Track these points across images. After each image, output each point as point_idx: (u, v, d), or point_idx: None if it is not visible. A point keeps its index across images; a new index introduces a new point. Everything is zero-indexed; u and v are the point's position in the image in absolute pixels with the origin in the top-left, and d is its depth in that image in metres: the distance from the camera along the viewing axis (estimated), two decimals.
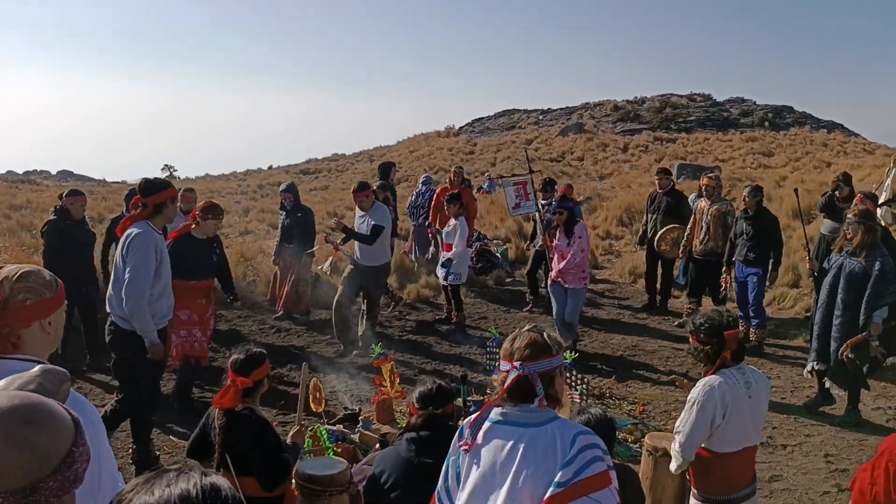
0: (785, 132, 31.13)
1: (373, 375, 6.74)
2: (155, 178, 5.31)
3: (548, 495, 2.15)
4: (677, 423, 3.57)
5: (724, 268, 8.35)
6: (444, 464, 2.49)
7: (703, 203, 8.78)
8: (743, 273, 8.15)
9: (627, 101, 37.85)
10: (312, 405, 5.30)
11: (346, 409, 5.98)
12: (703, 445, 3.51)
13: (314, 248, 9.24)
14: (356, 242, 7.94)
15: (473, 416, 2.43)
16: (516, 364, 2.32)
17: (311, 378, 4.81)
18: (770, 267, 8.08)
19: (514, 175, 10.70)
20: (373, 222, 7.63)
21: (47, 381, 1.65)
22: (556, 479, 2.16)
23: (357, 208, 7.95)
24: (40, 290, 2.13)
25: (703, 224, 8.62)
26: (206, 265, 6.55)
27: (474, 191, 14.19)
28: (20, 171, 34.00)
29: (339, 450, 4.87)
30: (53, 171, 36.49)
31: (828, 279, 6.22)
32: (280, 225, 9.37)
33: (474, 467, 2.34)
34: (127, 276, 4.90)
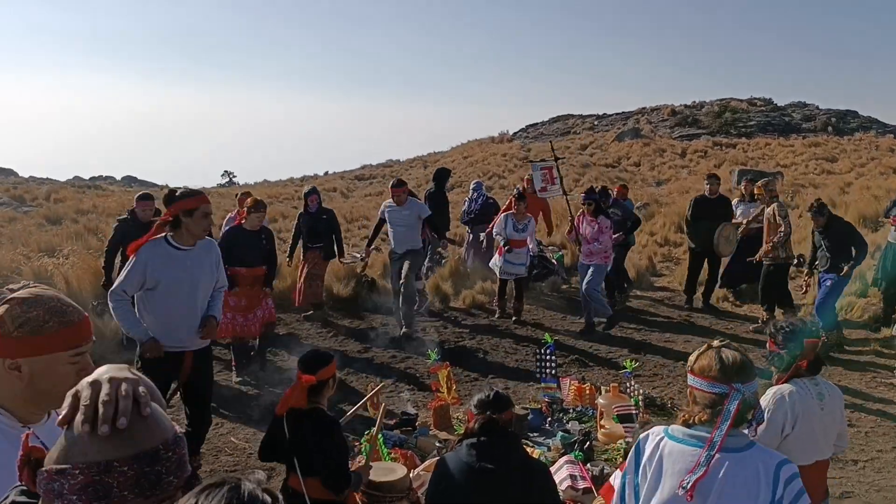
0: (849, 137, 30.24)
1: (430, 381, 6.75)
2: (181, 189, 4.91)
3: None
4: (746, 432, 3.46)
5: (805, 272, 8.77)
6: (620, 480, 2.43)
7: (766, 209, 9.02)
8: (822, 279, 8.26)
9: (685, 106, 37.24)
10: (370, 409, 5.32)
11: (403, 413, 5.99)
12: None
13: (359, 257, 9.91)
14: (393, 235, 8.86)
15: (662, 435, 2.34)
16: (737, 386, 2.23)
17: (381, 402, 4.83)
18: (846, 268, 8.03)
19: (542, 160, 11.61)
20: (424, 214, 8.73)
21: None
22: None
23: (390, 202, 8.69)
24: (3, 324, 1.77)
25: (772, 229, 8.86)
26: (254, 254, 7.22)
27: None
28: (86, 177, 35.09)
29: (397, 455, 4.87)
30: (118, 177, 37.60)
31: None
32: (303, 226, 9.29)
33: (662, 489, 2.26)
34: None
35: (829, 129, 32.06)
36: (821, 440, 3.42)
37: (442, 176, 11.29)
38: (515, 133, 38.54)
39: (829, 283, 8.10)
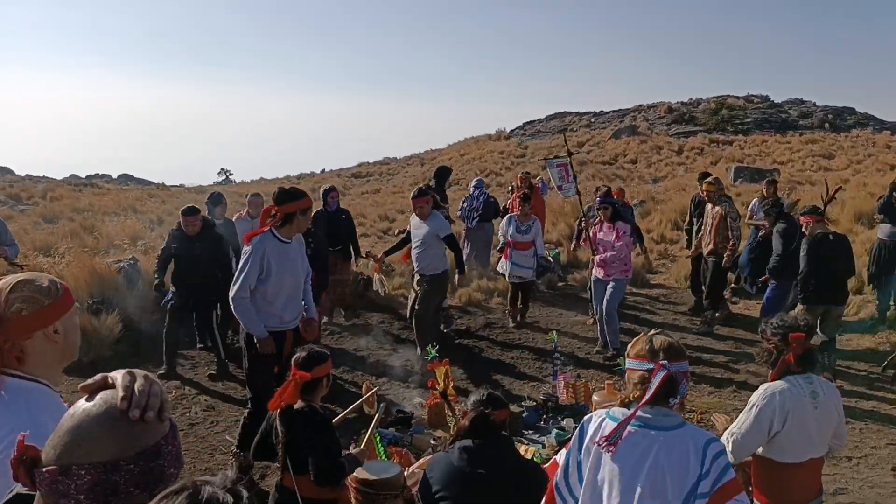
0: (846, 134, 30.27)
1: (426, 378, 6.75)
2: (290, 188, 5.32)
3: None
4: (732, 426, 3.48)
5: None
6: (564, 457, 2.60)
7: (709, 207, 9.00)
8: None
9: (682, 103, 37.25)
10: (365, 407, 5.33)
11: (399, 411, 5.99)
12: (765, 455, 3.41)
13: (363, 257, 9.42)
14: (414, 252, 7.83)
15: (603, 416, 2.52)
16: (663, 363, 2.41)
17: (373, 391, 4.80)
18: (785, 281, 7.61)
19: (556, 157, 11.07)
20: (443, 233, 7.57)
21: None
22: (699, 492, 2.31)
23: (414, 215, 7.82)
24: (37, 299, 1.98)
25: (708, 227, 8.92)
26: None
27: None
28: (83, 175, 35.01)
29: (392, 453, 4.87)
30: (114, 175, 37.52)
31: None
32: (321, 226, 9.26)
33: (603, 465, 2.43)
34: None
35: (826, 125, 32.08)
36: (815, 438, 3.41)
37: (442, 174, 11.33)
38: (512, 130, 38.51)
39: (770, 293, 7.79)
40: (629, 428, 2.41)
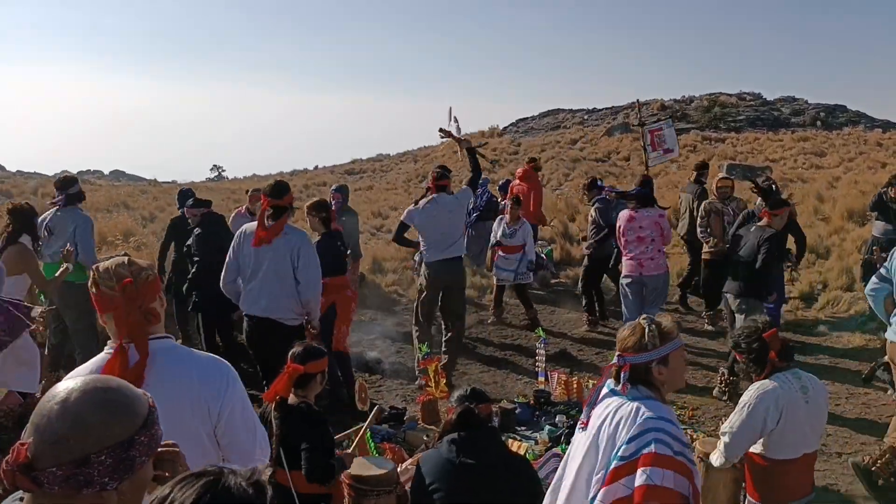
0: (838, 132, 30.32)
1: (419, 375, 6.76)
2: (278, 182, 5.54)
3: (612, 467, 2.50)
4: (724, 425, 3.51)
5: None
6: (584, 414, 2.89)
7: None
8: None
9: (675, 101, 37.26)
10: (358, 404, 5.32)
11: (392, 408, 6.00)
12: (759, 452, 3.43)
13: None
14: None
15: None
16: (617, 353, 2.72)
17: (374, 408, 4.78)
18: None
19: (658, 121, 10.56)
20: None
21: None
22: (619, 454, 2.50)
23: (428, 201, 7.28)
24: (149, 270, 2.34)
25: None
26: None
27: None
28: (74, 171, 34.81)
29: (385, 449, 4.88)
30: (106, 171, 37.37)
31: None
32: None
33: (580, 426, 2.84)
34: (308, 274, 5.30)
35: (818, 123, 32.16)
36: (808, 432, 3.44)
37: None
38: (505, 128, 38.47)
39: None
40: (605, 390, 2.77)
